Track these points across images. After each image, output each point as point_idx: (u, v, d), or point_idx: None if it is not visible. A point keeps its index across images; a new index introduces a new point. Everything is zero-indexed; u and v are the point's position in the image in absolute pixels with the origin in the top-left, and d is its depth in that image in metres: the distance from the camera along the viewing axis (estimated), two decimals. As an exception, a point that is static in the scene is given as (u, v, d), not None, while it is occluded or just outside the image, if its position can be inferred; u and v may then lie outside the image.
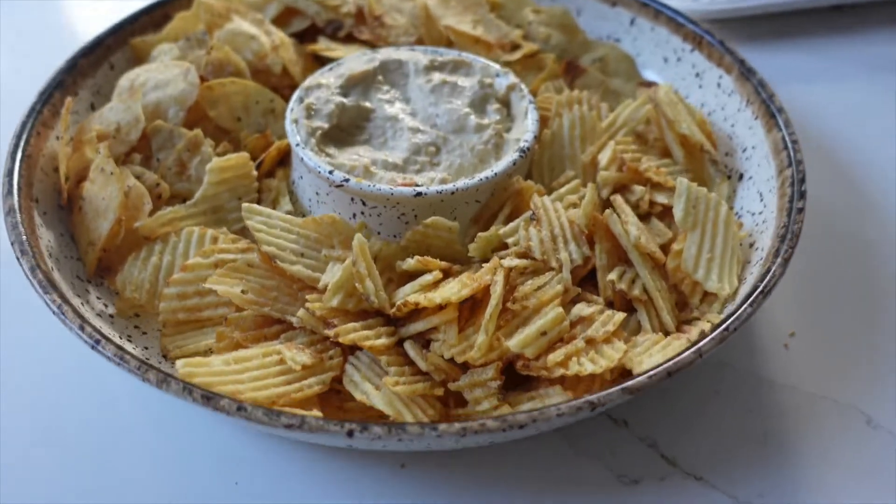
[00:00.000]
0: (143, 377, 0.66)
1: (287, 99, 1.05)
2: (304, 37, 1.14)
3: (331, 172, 0.87)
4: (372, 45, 1.13)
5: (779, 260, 0.78)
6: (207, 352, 0.78)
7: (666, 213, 0.90)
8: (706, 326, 0.76)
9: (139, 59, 1.08)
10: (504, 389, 0.75)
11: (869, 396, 0.80)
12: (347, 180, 0.87)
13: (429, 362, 0.75)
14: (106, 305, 0.84)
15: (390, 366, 0.74)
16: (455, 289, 0.76)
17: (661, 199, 0.89)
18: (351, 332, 0.75)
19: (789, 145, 0.90)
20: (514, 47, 1.12)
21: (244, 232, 0.90)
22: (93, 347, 0.68)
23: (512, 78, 1.01)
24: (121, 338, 0.79)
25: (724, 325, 0.72)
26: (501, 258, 0.82)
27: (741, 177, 0.98)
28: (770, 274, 0.76)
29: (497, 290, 0.76)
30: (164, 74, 0.99)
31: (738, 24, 1.30)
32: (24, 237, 0.77)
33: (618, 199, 0.87)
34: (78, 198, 0.88)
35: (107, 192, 0.86)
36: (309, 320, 0.77)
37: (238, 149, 0.99)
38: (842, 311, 0.89)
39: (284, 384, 0.72)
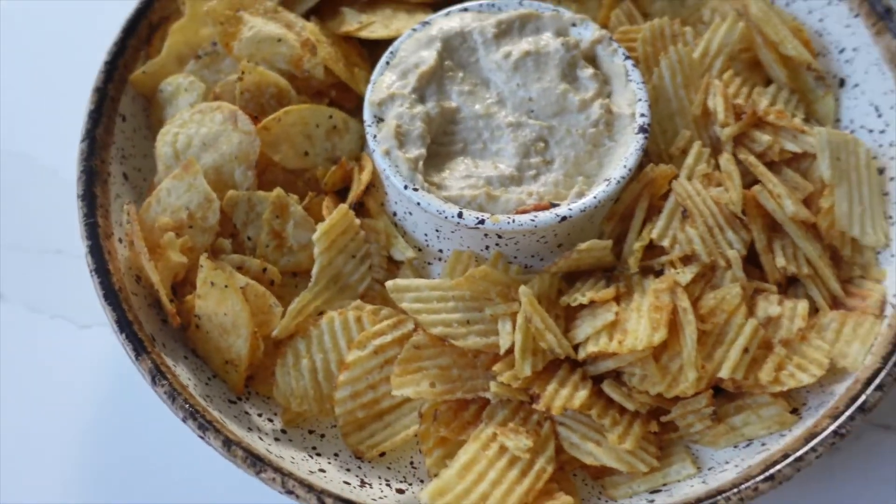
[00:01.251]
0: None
1: (339, 105, 0.92)
2: (322, 11, 0.96)
3: (460, 215, 0.79)
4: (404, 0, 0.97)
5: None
6: (411, 442, 0.76)
7: (795, 160, 0.87)
8: (879, 291, 0.78)
9: (146, 95, 0.91)
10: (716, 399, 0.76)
11: None
12: (483, 221, 0.79)
13: (635, 402, 0.75)
14: (270, 420, 0.79)
15: (600, 418, 0.74)
16: (646, 331, 0.74)
17: (790, 146, 0.85)
18: (555, 397, 0.73)
19: (910, 57, 0.86)
20: (565, -33, 0.98)
21: (370, 292, 0.83)
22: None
23: (593, 29, 0.89)
24: (310, 456, 0.76)
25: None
26: (661, 267, 0.79)
27: (842, 83, 0.93)
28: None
29: (691, 320, 0.74)
30: (206, 126, 0.84)
31: None
32: (192, 409, 0.69)
33: (760, 168, 0.83)
34: (189, 313, 0.79)
35: (227, 307, 0.76)
36: (505, 392, 0.75)
37: (319, 190, 0.88)
38: None
39: (521, 476, 0.71)
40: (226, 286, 0.76)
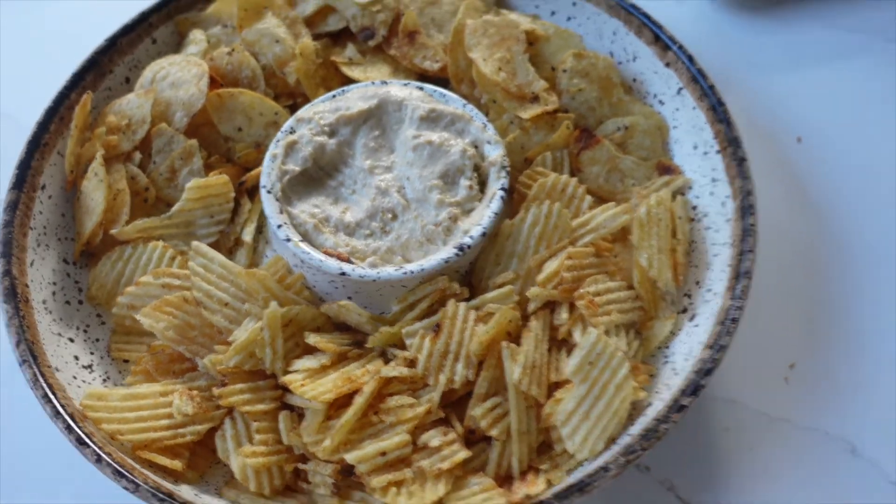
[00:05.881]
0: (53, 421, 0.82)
1: (295, 110, 1.10)
2: (339, 37, 1.15)
3: (278, 227, 0.94)
4: (397, 62, 1.12)
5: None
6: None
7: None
8: (536, 490, 0.80)
9: (182, 35, 1.15)
10: (344, 476, 0.83)
11: (855, 427, 0.91)
12: (289, 240, 0.93)
13: (289, 439, 0.85)
14: (80, 290, 0.99)
15: (259, 433, 0.85)
16: (327, 387, 0.83)
17: (576, 335, 0.88)
18: (234, 395, 0.86)
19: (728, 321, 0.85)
20: (535, 99, 1.07)
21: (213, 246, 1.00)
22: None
23: (499, 153, 0.98)
24: (77, 328, 0.95)
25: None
26: (393, 357, 0.87)
27: (693, 317, 0.93)
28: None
29: (359, 402, 0.82)
30: (182, 72, 1.07)
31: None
32: (8, 239, 0.92)
33: (530, 334, 0.87)
34: (79, 189, 1.02)
35: (96, 195, 0.98)
36: (209, 369, 0.88)
37: (232, 159, 1.07)
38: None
39: (164, 429, 0.85)
40: (101, 181, 0.98)
